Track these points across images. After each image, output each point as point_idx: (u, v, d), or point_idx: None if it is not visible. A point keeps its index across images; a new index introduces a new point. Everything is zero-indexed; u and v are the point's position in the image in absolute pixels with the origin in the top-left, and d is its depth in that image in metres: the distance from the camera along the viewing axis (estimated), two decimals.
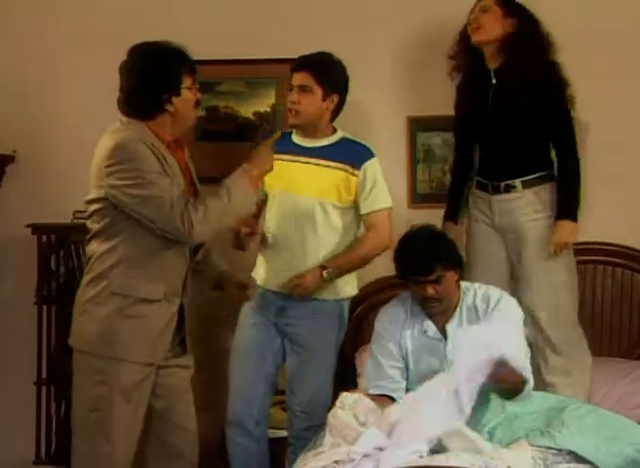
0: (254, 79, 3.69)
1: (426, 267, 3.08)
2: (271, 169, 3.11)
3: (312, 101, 3.43)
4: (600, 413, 3.08)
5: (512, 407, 3.07)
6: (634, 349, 3.90)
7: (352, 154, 3.48)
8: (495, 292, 3.21)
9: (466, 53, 3.57)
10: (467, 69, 3.59)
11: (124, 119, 3.03)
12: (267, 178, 3.37)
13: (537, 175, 3.55)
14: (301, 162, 3.47)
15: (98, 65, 4.03)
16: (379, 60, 3.86)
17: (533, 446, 2.86)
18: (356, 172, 3.47)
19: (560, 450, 2.86)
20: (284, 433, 3.71)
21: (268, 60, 3.89)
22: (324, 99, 3.44)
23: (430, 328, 3.19)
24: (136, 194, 2.89)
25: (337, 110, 3.50)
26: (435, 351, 3.17)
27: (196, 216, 2.90)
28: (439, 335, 3.17)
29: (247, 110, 4.08)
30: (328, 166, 3.47)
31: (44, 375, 4.06)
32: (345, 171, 3.47)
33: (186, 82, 3.03)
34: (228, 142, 3.83)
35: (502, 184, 3.54)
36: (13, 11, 4.16)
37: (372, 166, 3.48)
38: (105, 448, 2.98)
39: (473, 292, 3.20)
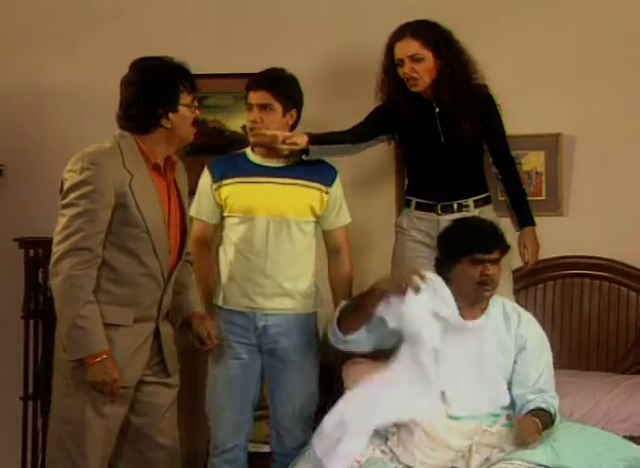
0: (241, 93, 3.70)
1: (493, 244, 3.10)
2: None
3: (274, 119, 3.45)
4: (591, 431, 3.10)
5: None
6: (621, 363, 3.91)
7: (322, 173, 3.53)
8: (523, 310, 3.27)
9: (397, 86, 3.57)
10: (403, 99, 3.57)
11: (117, 133, 3.04)
12: (234, 202, 3.44)
13: (483, 195, 3.65)
14: (273, 183, 3.47)
15: (87, 79, 4.05)
16: (366, 70, 3.87)
17: (523, 461, 2.87)
18: (329, 190, 3.52)
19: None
20: (266, 448, 3.71)
21: (255, 75, 3.89)
22: (284, 116, 3.47)
23: None
24: (63, 212, 2.93)
25: (294, 125, 3.53)
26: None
27: (55, 279, 2.92)
28: None
29: (235, 124, 4.09)
30: (302, 185, 3.49)
31: (30, 390, 4.05)
32: (319, 190, 3.51)
33: (185, 99, 3.04)
34: (216, 156, 3.82)
35: (455, 203, 3.59)
36: (3, 24, 4.16)
37: (339, 184, 3.56)
38: (78, 462, 2.99)
39: (502, 301, 3.22)
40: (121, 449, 3.13)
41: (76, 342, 2.92)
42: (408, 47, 3.49)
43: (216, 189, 3.50)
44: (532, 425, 2.95)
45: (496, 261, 3.11)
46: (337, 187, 3.55)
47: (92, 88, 4.03)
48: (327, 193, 3.52)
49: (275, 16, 4.04)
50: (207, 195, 3.53)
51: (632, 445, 3.07)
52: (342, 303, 3.24)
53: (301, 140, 3.40)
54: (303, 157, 3.45)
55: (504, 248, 3.16)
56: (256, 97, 3.45)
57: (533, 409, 3.05)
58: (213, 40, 4.03)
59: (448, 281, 3.16)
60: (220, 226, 3.57)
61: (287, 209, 3.46)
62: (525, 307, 3.41)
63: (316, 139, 3.46)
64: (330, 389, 3.70)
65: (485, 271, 3.09)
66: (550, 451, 2.92)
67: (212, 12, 4.07)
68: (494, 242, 3.11)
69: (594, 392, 3.64)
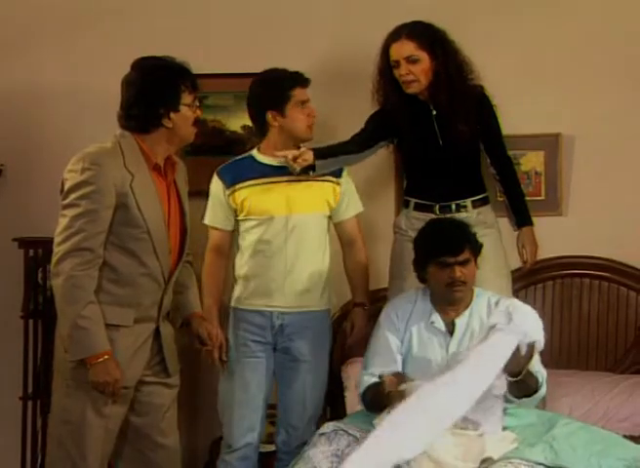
0: (241, 92, 3.70)
1: (457, 247, 3.11)
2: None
3: None
4: (590, 429, 3.10)
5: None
6: (620, 363, 3.92)
7: None
8: (510, 300, 3.19)
9: (393, 88, 3.56)
10: (399, 101, 3.57)
11: (118, 133, 3.04)
12: (251, 204, 3.45)
13: (482, 195, 3.64)
14: (287, 182, 3.48)
15: (87, 79, 4.05)
16: (366, 70, 3.87)
17: (522, 460, 2.87)
18: (340, 180, 3.55)
19: (550, 467, 2.87)
20: (271, 447, 3.70)
21: (256, 74, 3.89)
22: None
23: (438, 320, 3.19)
24: (64, 213, 2.93)
25: None
26: (438, 343, 3.17)
27: (57, 280, 2.92)
28: (445, 329, 3.18)
29: (235, 124, 4.09)
30: (315, 180, 3.51)
31: (30, 390, 4.04)
32: (331, 182, 3.54)
33: (186, 99, 3.05)
34: (217, 156, 3.83)
35: (453, 204, 3.58)
36: (3, 24, 4.15)
37: (347, 174, 3.59)
38: (78, 462, 3.00)
39: (486, 298, 3.22)
40: (121, 449, 3.13)
41: (78, 343, 2.92)
42: (404, 48, 3.49)
43: (229, 194, 3.50)
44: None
45: (465, 262, 3.12)
46: (346, 178, 3.58)
47: (92, 88, 4.02)
48: (338, 184, 3.54)
49: (275, 16, 4.04)
50: (220, 202, 3.53)
51: (632, 444, 3.06)
52: (363, 385, 3.19)
53: (309, 156, 3.40)
54: (310, 173, 3.45)
55: (475, 247, 3.17)
56: (306, 92, 3.49)
57: None
58: (213, 40, 4.03)
59: (425, 282, 3.21)
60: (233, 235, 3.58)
61: (304, 206, 3.47)
62: None
63: (320, 154, 3.45)
64: (329, 390, 3.70)
65: (452, 274, 3.11)
66: (549, 450, 2.92)
67: (212, 12, 4.07)
68: (459, 244, 3.12)
69: (593, 392, 3.66)
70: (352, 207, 3.61)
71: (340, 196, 3.55)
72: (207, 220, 3.57)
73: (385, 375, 3.02)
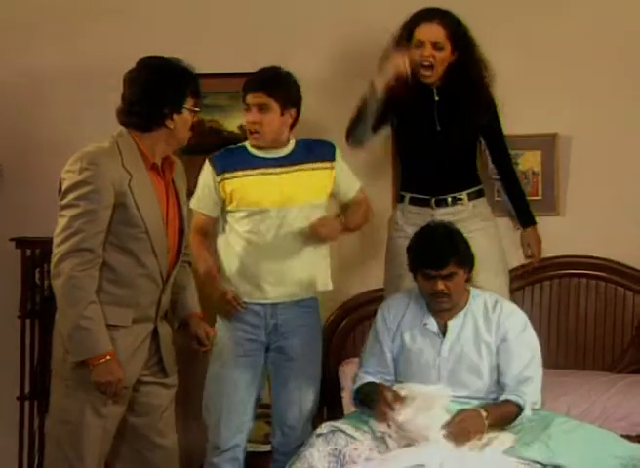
0: (238, 92, 3.70)
1: (441, 261, 3.10)
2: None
3: (272, 119, 3.43)
4: (587, 428, 3.11)
5: None
6: (617, 363, 3.93)
7: (322, 151, 3.54)
8: (507, 303, 3.27)
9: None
10: (405, 80, 3.54)
11: (116, 132, 3.04)
12: (242, 196, 3.42)
13: (477, 187, 3.64)
14: (281, 173, 3.47)
15: (86, 79, 4.04)
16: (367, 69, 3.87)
17: (519, 458, 2.88)
18: (333, 164, 3.53)
19: (546, 465, 2.88)
20: (266, 447, 3.70)
21: (252, 74, 3.89)
22: (282, 115, 3.46)
23: (431, 321, 3.20)
24: (63, 213, 2.92)
25: (294, 123, 3.52)
26: (431, 345, 3.18)
27: (57, 281, 2.91)
28: (437, 331, 3.19)
29: (232, 124, 4.09)
30: (308, 168, 3.50)
31: (27, 390, 4.04)
32: (325, 168, 3.52)
33: (189, 102, 3.05)
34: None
35: (449, 197, 3.58)
36: (2, 23, 4.14)
37: (339, 154, 3.57)
38: (75, 463, 2.99)
39: (483, 299, 3.22)
40: (119, 450, 3.13)
41: (80, 343, 2.91)
42: (434, 32, 3.49)
43: (219, 182, 3.47)
44: (474, 422, 2.97)
45: (449, 276, 3.12)
46: (339, 159, 3.55)
47: (91, 88, 4.02)
48: (332, 168, 3.52)
49: (275, 15, 4.03)
50: (209, 188, 3.50)
51: (629, 443, 3.08)
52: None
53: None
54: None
55: (464, 261, 3.16)
56: (253, 97, 3.44)
57: (501, 401, 3.08)
58: (211, 40, 4.02)
59: None
60: (218, 221, 3.54)
61: (297, 195, 3.45)
62: (522, 307, 3.40)
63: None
64: (325, 390, 3.70)
65: (434, 286, 3.12)
66: (546, 449, 2.93)
67: (211, 12, 4.07)
68: (444, 259, 3.11)
69: (590, 392, 3.66)
70: (353, 186, 3.58)
71: (335, 179, 3.52)
72: (193, 204, 3.51)
73: (386, 391, 3.05)
